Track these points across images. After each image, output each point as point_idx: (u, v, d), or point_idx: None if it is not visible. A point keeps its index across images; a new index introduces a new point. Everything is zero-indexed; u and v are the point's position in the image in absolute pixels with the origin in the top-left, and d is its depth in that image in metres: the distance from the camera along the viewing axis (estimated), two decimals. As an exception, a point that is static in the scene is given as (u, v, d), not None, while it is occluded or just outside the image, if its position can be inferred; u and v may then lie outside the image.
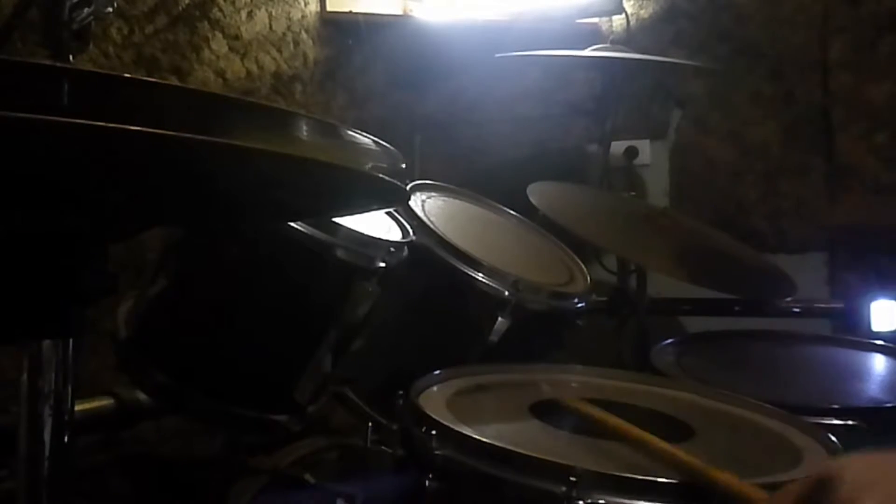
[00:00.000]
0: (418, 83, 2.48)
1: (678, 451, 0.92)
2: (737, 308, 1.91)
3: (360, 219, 1.27)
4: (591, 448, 0.98)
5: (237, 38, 2.03)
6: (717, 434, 1.10)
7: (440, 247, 1.40)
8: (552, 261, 1.66)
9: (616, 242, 1.72)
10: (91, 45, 0.98)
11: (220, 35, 1.98)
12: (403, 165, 0.96)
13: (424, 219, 1.45)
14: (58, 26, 0.94)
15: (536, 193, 1.67)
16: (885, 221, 2.11)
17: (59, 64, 0.90)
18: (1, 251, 0.59)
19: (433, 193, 1.63)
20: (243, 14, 2.05)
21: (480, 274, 1.38)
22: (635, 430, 0.97)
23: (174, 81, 1.85)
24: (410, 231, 1.38)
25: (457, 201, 1.69)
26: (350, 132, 0.82)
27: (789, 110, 2.26)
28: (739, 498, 0.80)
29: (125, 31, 1.77)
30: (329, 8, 2.28)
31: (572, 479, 0.84)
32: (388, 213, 1.41)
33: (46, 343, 0.80)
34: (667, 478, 0.86)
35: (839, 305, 1.98)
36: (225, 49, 2.00)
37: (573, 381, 1.28)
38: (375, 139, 0.85)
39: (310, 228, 1.17)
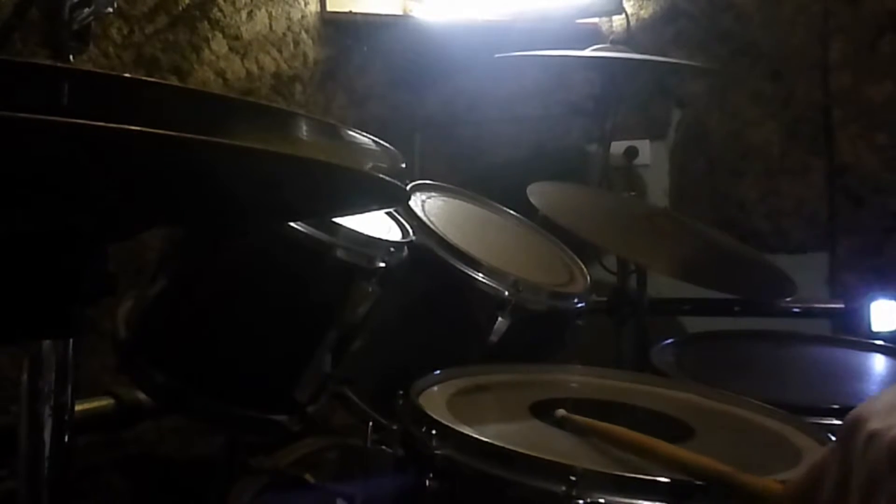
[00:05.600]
0: (418, 83, 2.48)
1: (686, 453, 0.92)
2: (737, 308, 1.91)
3: (360, 219, 1.27)
4: (591, 448, 0.98)
5: (237, 38, 2.03)
6: (718, 434, 1.10)
7: (440, 247, 1.40)
8: (552, 261, 1.66)
9: (616, 242, 1.71)
10: (91, 45, 0.98)
11: (220, 35, 1.98)
12: (403, 165, 0.96)
13: (424, 219, 1.45)
14: (58, 26, 0.94)
15: (536, 193, 1.67)
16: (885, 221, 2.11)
17: (59, 64, 0.90)
18: (1, 251, 0.59)
19: (433, 193, 1.63)
20: (243, 14, 2.05)
21: (480, 274, 1.38)
22: (640, 437, 0.97)
23: (174, 81, 1.85)
24: (410, 231, 1.38)
25: (457, 201, 1.69)
26: (350, 132, 0.82)
27: (789, 110, 2.25)
28: (757, 494, 0.80)
29: (125, 31, 1.77)
30: (329, 8, 2.28)
31: (572, 478, 0.84)
32: (388, 213, 1.41)
33: (46, 343, 0.80)
34: (668, 477, 0.86)
35: (839, 305, 1.98)
36: (225, 49, 2.00)
37: (573, 381, 1.28)
38: (375, 139, 0.85)
39: (310, 228, 1.17)
